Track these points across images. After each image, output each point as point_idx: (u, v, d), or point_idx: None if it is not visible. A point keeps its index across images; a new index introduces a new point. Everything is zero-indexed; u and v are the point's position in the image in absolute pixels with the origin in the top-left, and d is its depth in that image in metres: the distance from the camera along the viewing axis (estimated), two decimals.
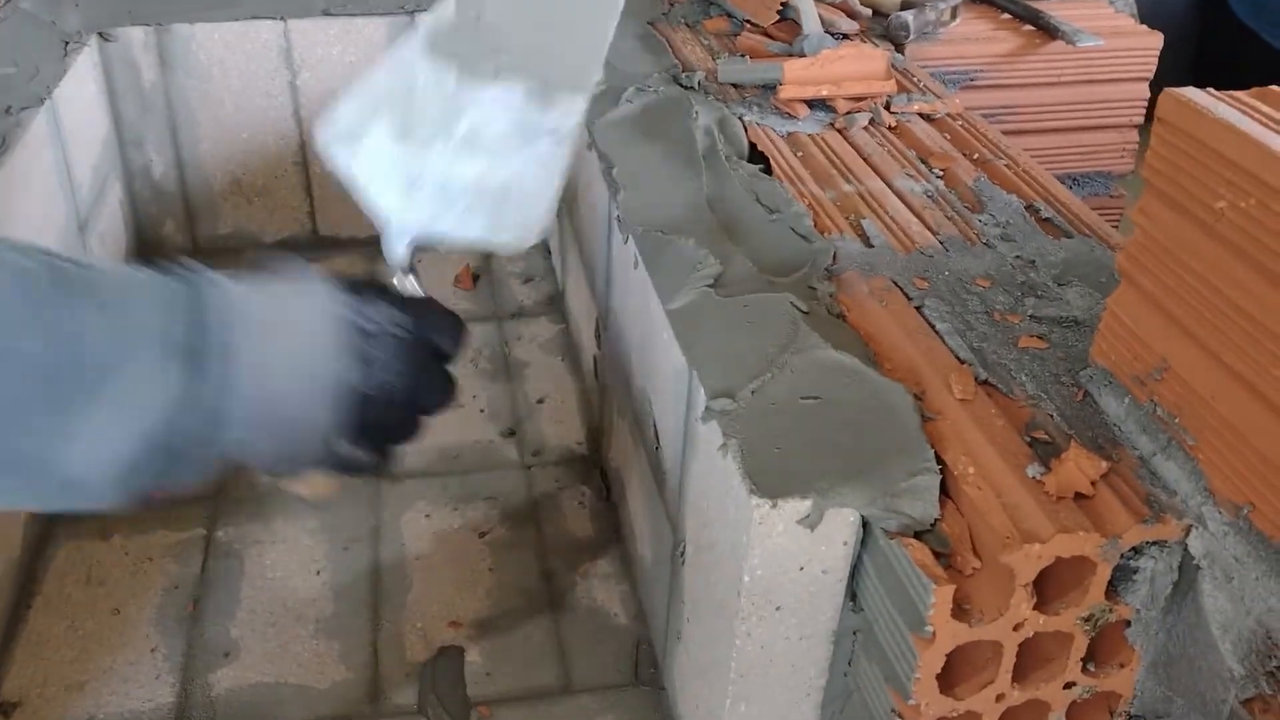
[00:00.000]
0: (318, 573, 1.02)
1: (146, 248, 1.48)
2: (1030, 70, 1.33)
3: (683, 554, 0.81)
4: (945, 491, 0.64)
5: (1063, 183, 1.01)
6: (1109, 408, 0.68)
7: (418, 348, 0.63)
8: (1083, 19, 1.35)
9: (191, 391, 0.54)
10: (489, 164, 0.67)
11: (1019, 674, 0.64)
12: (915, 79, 1.18)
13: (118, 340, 0.53)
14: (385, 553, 1.04)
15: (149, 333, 0.54)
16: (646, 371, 0.90)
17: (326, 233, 1.52)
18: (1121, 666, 0.65)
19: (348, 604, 0.99)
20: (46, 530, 1.04)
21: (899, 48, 1.28)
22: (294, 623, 0.97)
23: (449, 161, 0.66)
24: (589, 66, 0.72)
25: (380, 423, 0.62)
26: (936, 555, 0.61)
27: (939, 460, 0.65)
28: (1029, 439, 0.66)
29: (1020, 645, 0.62)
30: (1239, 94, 0.60)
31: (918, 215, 0.92)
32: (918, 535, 0.62)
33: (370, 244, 1.49)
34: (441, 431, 1.18)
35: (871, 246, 0.87)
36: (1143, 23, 1.40)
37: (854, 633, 0.69)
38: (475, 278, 1.45)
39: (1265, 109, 0.57)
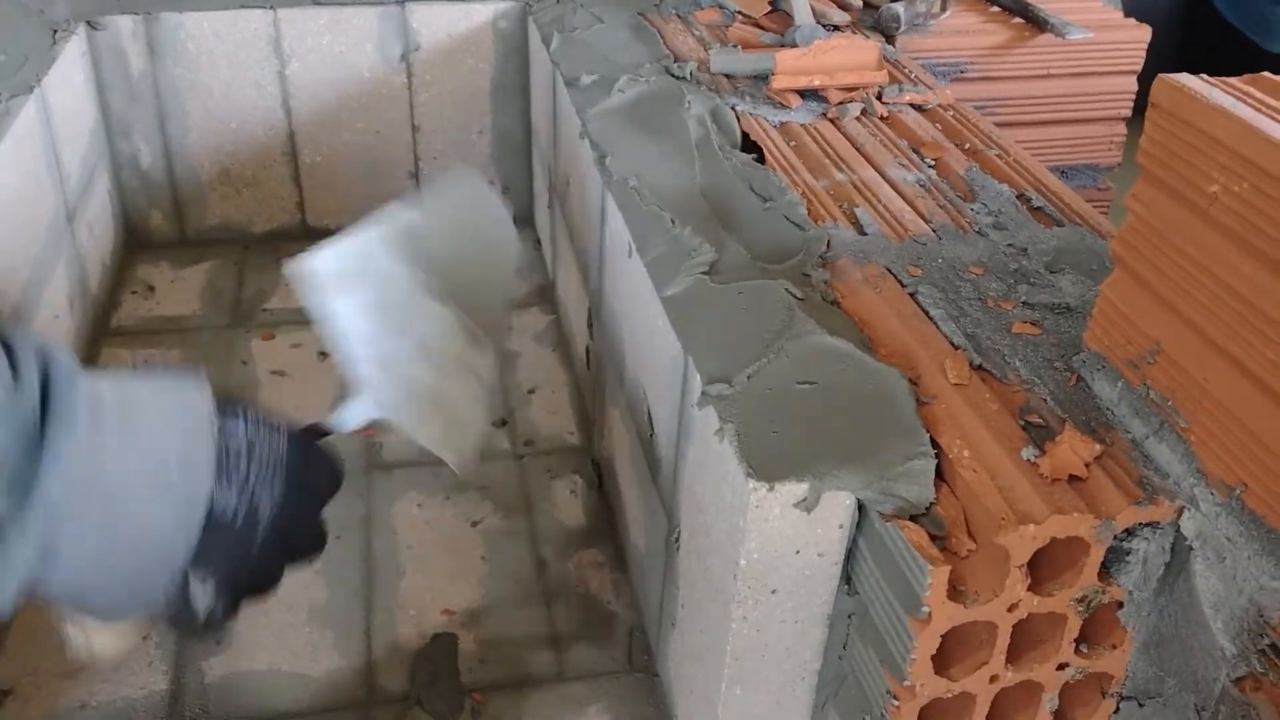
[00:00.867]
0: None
1: (134, 238, 1.47)
2: (1020, 63, 1.34)
3: (677, 540, 0.81)
4: (940, 475, 0.65)
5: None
6: (1102, 391, 0.69)
7: (294, 475, 0.55)
8: (1071, 12, 1.36)
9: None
10: (438, 379, 0.68)
11: (1012, 655, 0.64)
12: (906, 70, 1.18)
13: None
14: (377, 541, 1.04)
15: None
16: (640, 359, 0.91)
17: (315, 223, 1.52)
18: (1114, 647, 0.65)
19: (340, 592, 0.99)
20: None
21: (890, 39, 1.29)
22: (286, 610, 0.96)
23: (410, 359, 0.67)
24: (497, 327, 0.74)
25: (240, 561, 0.53)
26: (932, 537, 0.61)
27: (934, 444, 0.66)
28: (1023, 423, 0.67)
29: (1014, 627, 0.63)
30: (1232, 80, 0.60)
31: (910, 204, 0.92)
32: (913, 518, 0.63)
33: None
34: None
35: (865, 234, 0.88)
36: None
37: (849, 616, 0.69)
38: None
39: (1258, 94, 0.58)
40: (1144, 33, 1.35)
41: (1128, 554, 0.63)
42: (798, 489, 0.63)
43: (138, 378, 0.53)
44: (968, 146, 1.03)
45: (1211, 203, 0.58)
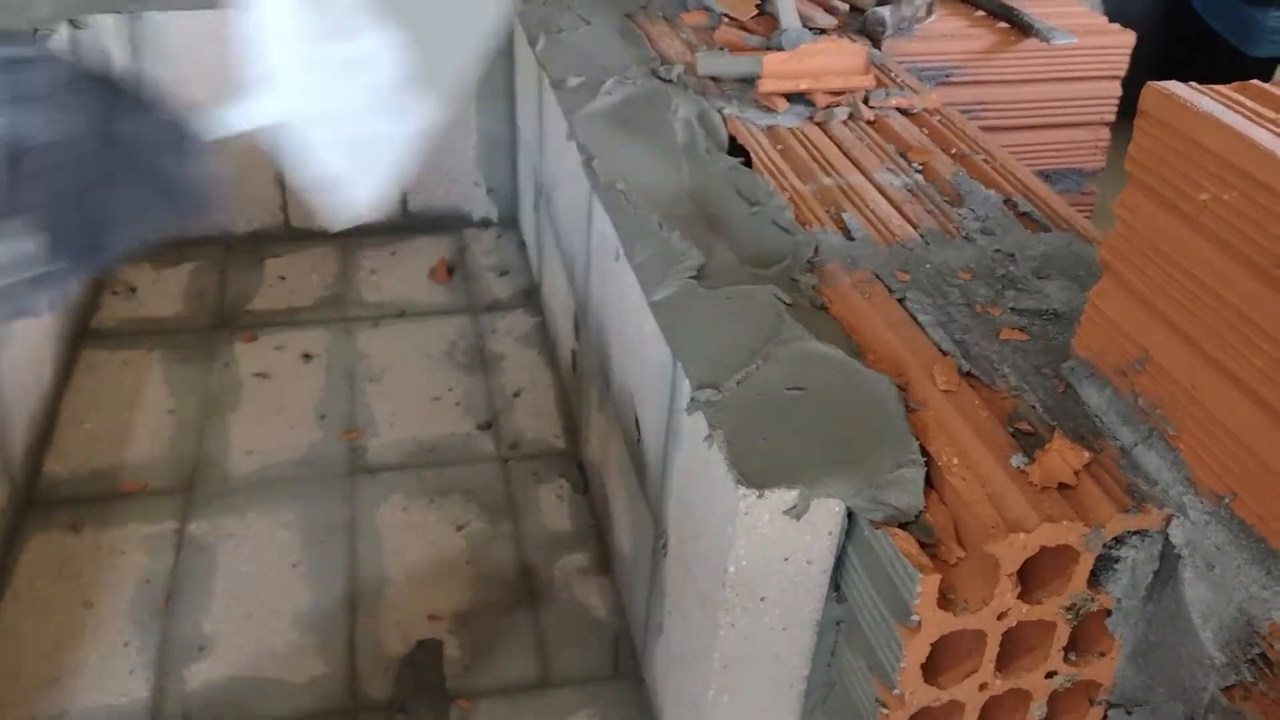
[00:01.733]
0: (293, 565, 1.01)
1: None
2: (1005, 67, 1.34)
3: (664, 546, 0.81)
4: (930, 482, 0.65)
5: None
6: (1090, 399, 0.69)
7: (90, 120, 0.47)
8: (1056, 17, 1.36)
9: None
10: (360, 106, 0.59)
11: (1001, 663, 0.64)
12: (893, 74, 1.18)
13: None
14: (361, 546, 1.03)
15: None
16: (628, 364, 0.90)
17: (299, 224, 1.50)
18: (1102, 655, 0.65)
19: (324, 597, 0.98)
20: (16, 523, 1.03)
21: (876, 43, 1.28)
22: (269, 616, 0.96)
23: (333, 72, 0.57)
24: (449, 82, 0.66)
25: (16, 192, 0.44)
26: (922, 545, 0.61)
27: (923, 451, 0.65)
28: (1012, 430, 0.67)
29: (1003, 635, 0.63)
30: (1221, 88, 0.60)
31: (898, 209, 0.92)
32: (903, 526, 0.63)
33: (346, 237, 1.48)
34: (417, 424, 1.18)
35: (853, 239, 0.87)
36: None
37: (837, 623, 0.69)
38: (450, 270, 1.44)
39: (1248, 103, 0.58)
40: (1128, 38, 1.36)
41: (1116, 562, 0.62)
42: (787, 496, 0.63)
43: None
44: (954, 151, 1.03)
45: (1201, 211, 0.58)
